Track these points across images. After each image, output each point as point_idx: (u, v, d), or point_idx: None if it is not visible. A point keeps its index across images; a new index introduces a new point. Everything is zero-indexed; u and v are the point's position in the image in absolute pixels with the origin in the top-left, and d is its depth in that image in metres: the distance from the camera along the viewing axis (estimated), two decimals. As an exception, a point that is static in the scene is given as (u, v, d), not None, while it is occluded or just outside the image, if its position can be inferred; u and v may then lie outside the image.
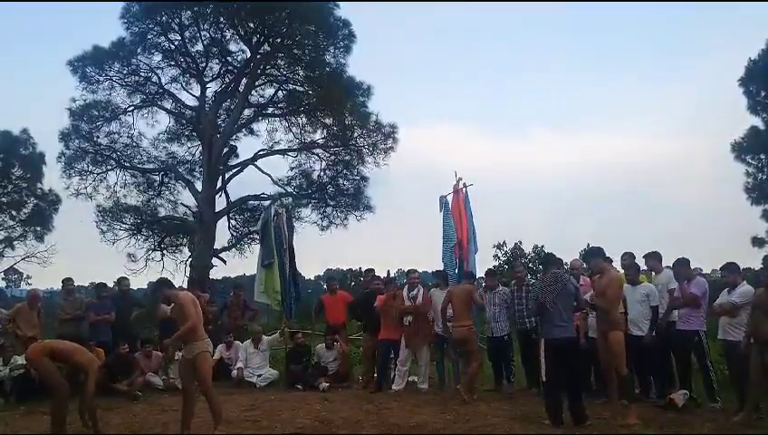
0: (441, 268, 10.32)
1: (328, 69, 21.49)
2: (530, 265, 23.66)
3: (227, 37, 21.80)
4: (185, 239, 22.69)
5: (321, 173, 22.80)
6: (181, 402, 6.60)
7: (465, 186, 10.60)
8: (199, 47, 21.65)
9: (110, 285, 12.84)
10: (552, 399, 6.79)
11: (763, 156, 25.34)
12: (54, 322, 10.79)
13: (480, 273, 10.33)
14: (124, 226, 22.10)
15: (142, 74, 21.61)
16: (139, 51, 21.20)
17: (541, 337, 7.03)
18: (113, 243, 21.79)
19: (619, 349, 6.89)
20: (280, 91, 22.67)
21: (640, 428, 6.44)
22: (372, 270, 11.92)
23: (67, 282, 10.87)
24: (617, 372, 6.97)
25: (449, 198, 10.64)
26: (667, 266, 8.33)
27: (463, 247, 10.31)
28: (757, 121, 25.19)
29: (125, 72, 21.40)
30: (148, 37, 21.09)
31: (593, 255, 7.30)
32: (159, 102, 22.12)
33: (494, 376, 9.60)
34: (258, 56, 21.45)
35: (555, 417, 6.68)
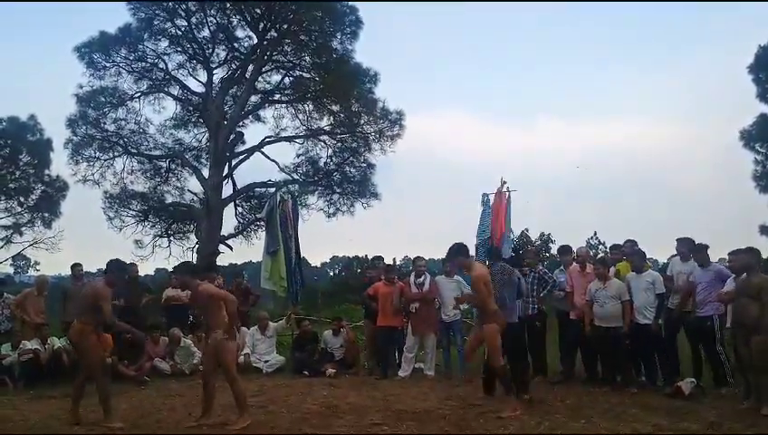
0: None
1: (335, 55, 21.42)
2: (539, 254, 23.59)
3: (234, 23, 21.76)
4: (192, 226, 22.71)
5: (328, 160, 22.79)
6: (201, 389, 6.57)
7: (508, 190, 10.70)
8: (206, 33, 21.61)
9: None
10: (511, 376, 7.10)
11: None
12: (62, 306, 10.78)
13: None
14: (131, 212, 22.18)
15: (149, 60, 21.57)
16: (145, 37, 21.16)
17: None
18: (120, 229, 21.91)
19: (493, 342, 6.83)
20: (287, 78, 22.61)
21: (645, 415, 6.45)
22: (381, 258, 11.91)
23: (75, 268, 10.89)
24: (491, 365, 7.00)
25: (491, 197, 10.75)
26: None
27: (496, 241, 10.43)
28: (766, 109, 24.98)
29: (132, 58, 21.35)
30: (155, 23, 21.03)
31: (454, 254, 7.26)
32: (166, 89, 22.07)
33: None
34: (265, 42, 21.37)
35: (511, 389, 6.93)
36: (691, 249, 8.13)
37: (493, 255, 8.64)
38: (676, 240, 8.42)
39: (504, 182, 10.75)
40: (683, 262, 8.29)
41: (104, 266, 6.91)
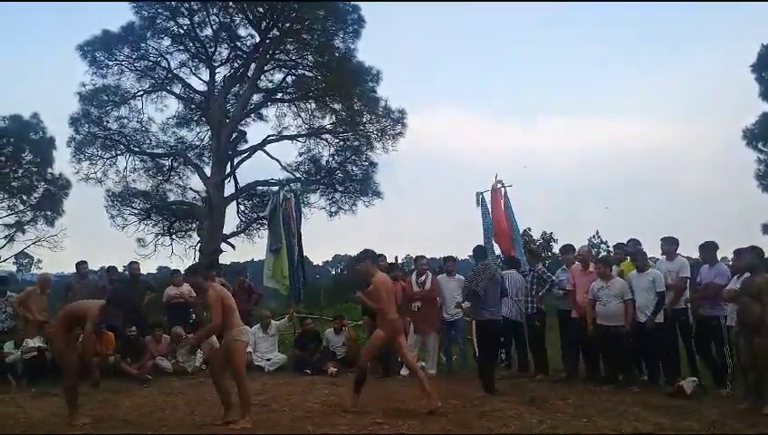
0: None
1: (337, 54, 21.42)
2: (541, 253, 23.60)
3: (236, 22, 21.80)
4: (194, 224, 22.73)
5: (330, 159, 22.81)
6: (215, 389, 6.49)
7: (503, 186, 10.63)
8: (208, 32, 21.66)
9: (120, 269, 12.93)
10: (485, 371, 7.85)
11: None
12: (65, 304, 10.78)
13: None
14: (134, 210, 22.20)
15: (151, 59, 21.63)
16: (148, 35, 21.21)
17: (472, 319, 8.10)
18: (123, 228, 21.94)
19: (376, 344, 7.09)
20: (289, 77, 22.65)
21: (647, 414, 6.44)
22: (383, 256, 11.89)
23: (80, 265, 10.90)
24: (358, 364, 7.28)
25: (486, 196, 10.70)
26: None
27: (508, 241, 10.36)
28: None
29: (134, 56, 21.42)
30: (158, 22, 21.09)
31: (362, 257, 7.34)
32: (168, 87, 22.11)
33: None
34: (267, 41, 21.40)
35: (488, 387, 7.70)
36: (700, 247, 8.12)
37: (476, 254, 8.74)
38: (661, 240, 8.39)
39: (500, 181, 10.72)
40: (668, 261, 8.28)
41: (106, 265, 6.95)
